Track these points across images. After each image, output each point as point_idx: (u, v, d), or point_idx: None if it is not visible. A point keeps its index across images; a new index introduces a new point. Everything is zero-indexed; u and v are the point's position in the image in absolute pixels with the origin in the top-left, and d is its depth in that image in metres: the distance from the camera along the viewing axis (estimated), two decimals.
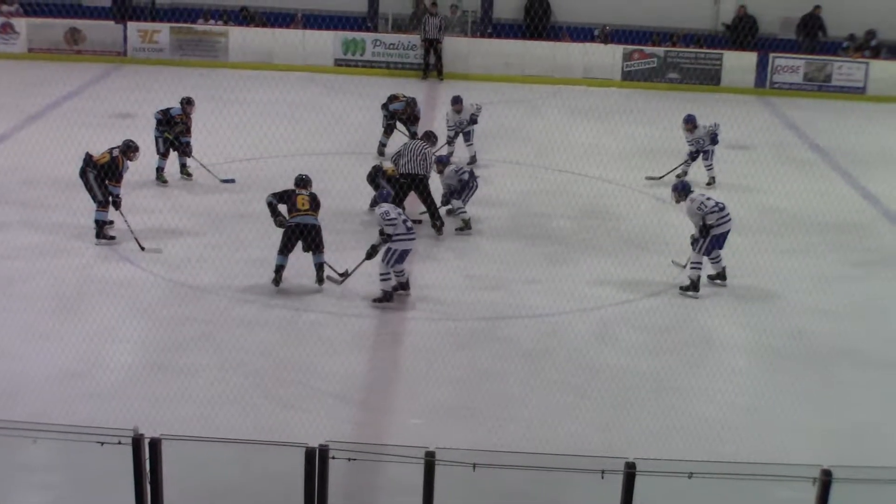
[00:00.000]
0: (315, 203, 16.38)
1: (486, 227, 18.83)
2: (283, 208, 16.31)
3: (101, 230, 17.38)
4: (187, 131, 20.66)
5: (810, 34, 33.66)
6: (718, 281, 16.88)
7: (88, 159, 17.33)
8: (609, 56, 31.94)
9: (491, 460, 9.08)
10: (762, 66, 32.04)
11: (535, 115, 27.07)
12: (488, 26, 33.83)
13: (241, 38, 31.52)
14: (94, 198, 17.38)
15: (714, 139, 21.54)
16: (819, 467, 8.95)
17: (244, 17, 32.96)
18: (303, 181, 16.62)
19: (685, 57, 32.06)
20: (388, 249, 15.72)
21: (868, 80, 31.93)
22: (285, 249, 16.07)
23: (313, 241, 16.12)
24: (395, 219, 15.67)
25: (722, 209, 16.49)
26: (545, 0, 33.89)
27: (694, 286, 16.54)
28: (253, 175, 20.73)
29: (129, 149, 17.69)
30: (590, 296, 16.26)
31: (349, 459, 9.06)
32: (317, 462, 8.92)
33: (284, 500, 9.45)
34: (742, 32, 32.96)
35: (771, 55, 32.15)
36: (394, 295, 15.87)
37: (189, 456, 9.59)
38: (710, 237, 16.41)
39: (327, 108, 25.71)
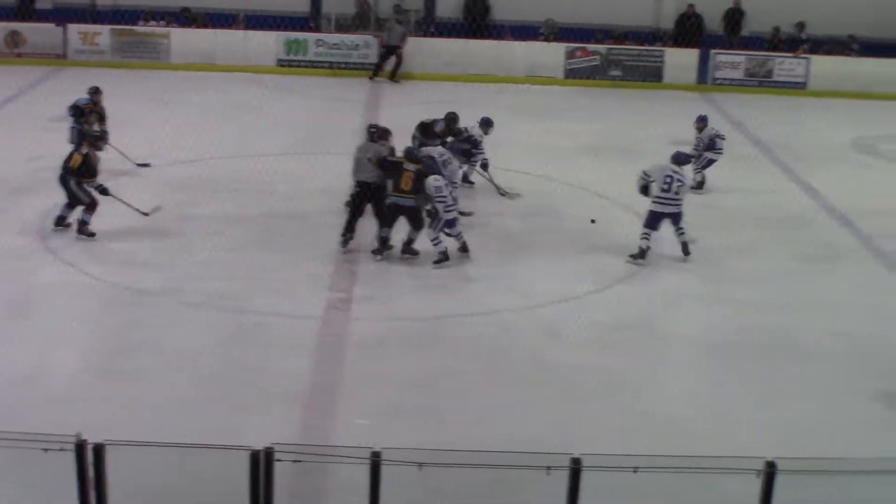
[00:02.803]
0: (420, 181, 16.95)
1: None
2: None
3: (83, 228, 17.33)
4: (102, 119, 20.66)
5: (734, 28, 33.97)
6: (638, 259, 17.56)
7: (66, 166, 17.22)
8: (552, 54, 32.07)
9: (437, 459, 9.06)
10: (704, 62, 32.24)
11: (479, 113, 27.07)
12: (431, 25, 33.84)
13: (182, 39, 31.40)
14: (80, 202, 17.29)
15: (713, 146, 21.55)
16: (763, 459, 9.00)
17: (186, 18, 32.79)
18: (411, 154, 17.28)
19: (627, 54, 32.23)
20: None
21: (809, 75, 32.21)
22: (387, 222, 17.19)
23: (412, 220, 17.13)
24: (445, 195, 16.94)
25: (668, 191, 17.32)
26: None
27: (641, 254, 17.42)
28: (196, 177, 20.63)
29: (95, 139, 17.66)
30: (538, 293, 16.28)
31: (294, 461, 9.04)
32: (262, 465, 8.89)
33: None
34: (688, 30, 33.16)
35: (712, 52, 32.37)
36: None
37: (134, 461, 9.53)
38: (649, 211, 17.38)
39: (270, 109, 25.68)
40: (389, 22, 31.62)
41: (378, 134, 17.84)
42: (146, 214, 17.37)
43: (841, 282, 17.42)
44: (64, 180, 17.29)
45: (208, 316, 15.07)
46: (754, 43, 33.55)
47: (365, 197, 17.27)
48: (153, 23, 32.20)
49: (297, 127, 23.95)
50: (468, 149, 20.52)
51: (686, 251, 17.66)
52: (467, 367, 14.00)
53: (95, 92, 20.97)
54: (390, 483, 8.95)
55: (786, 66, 32.28)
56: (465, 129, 20.65)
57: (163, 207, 17.62)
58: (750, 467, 8.98)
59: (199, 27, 32.39)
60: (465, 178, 20.91)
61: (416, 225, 17.08)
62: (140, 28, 31.67)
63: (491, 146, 21.61)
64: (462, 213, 18.11)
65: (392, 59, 31.18)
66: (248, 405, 12.66)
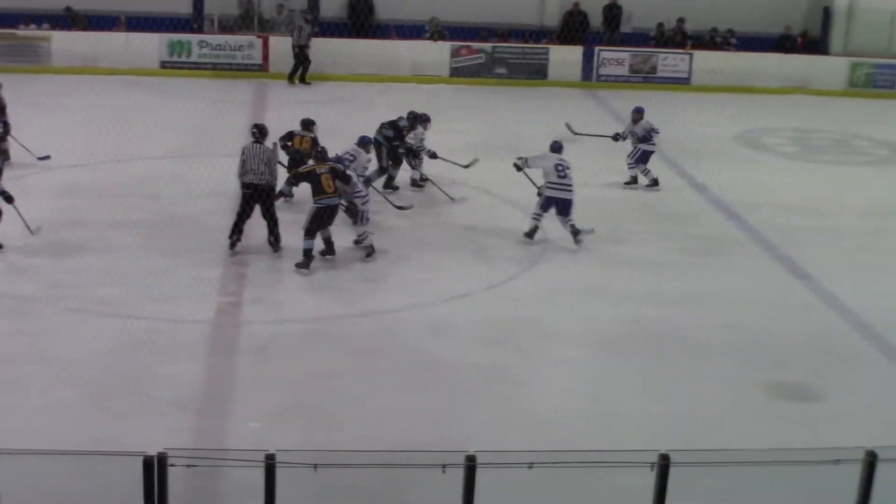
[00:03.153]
0: (336, 179, 16.91)
1: None
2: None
3: None
4: (2, 111, 20.75)
5: (612, 25, 34.32)
6: (528, 237, 18.48)
7: None
8: (437, 53, 32.16)
9: (332, 460, 9.02)
10: (588, 59, 32.48)
11: (365, 113, 26.98)
12: (315, 25, 33.69)
13: (63, 42, 30.96)
14: None
15: (648, 138, 21.82)
16: (657, 452, 9.05)
17: (69, 17, 32.31)
18: (319, 154, 17.24)
19: (512, 52, 32.35)
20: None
21: (692, 71, 32.60)
22: (313, 233, 16.81)
23: (330, 219, 17.03)
24: (361, 189, 17.67)
25: (564, 178, 18.24)
26: None
27: (531, 233, 18.42)
28: (80, 182, 20.34)
29: None
30: (424, 291, 16.29)
31: (188, 466, 8.93)
32: (156, 471, 8.77)
33: None
34: (573, 28, 33.36)
35: (596, 48, 32.63)
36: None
37: (25, 471, 9.36)
38: (545, 196, 18.33)
39: (155, 112, 25.41)
40: (298, 21, 31.45)
41: (264, 134, 17.62)
42: (31, 233, 17.05)
43: (729, 275, 17.61)
44: None
45: (95, 323, 14.81)
46: (639, 39, 33.88)
47: (252, 199, 17.13)
48: (33, 26, 31.69)
49: (182, 129, 23.74)
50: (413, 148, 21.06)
51: (576, 240, 17.89)
52: (358, 368, 13.94)
53: None
54: (285, 485, 8.88)
55: (669, 62, 32.67)
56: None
57: (42, 227, 17.29)
58: (644, 460, 9.02)
59: (80, 29, 31.94)
60: (422, 178, 21.25)
61: (330, 223, 17.04)
62: (20, 31, 31.18)
63: None
64: (401, 208, 19.00)
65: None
66: (137, 412, 12.49)
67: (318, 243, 16.98)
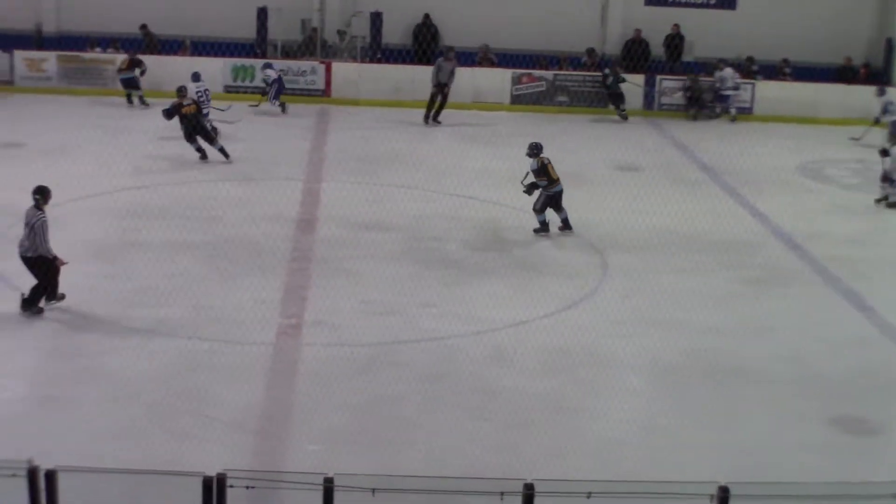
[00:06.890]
0: None
1: (380, 251, 18.76)
2: None
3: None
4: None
5: (674, 54, 34.16)
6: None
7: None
8: (498, 80, 32.13)
9: (390, 485, 9.03)
10: (650, 87, 32.38)
11: (426, 139, 27.16)
12: (377, 52, 33.78)
13: None
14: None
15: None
16: (716, 484, 9.01)
17: (144, 37, 32.49)
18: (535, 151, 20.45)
19: (573, 80, 32.30)
20: None
21: (755, 100, 32.45)
22: (544, 210, 20.10)
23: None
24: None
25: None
26: (433, 25, 33.95)
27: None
28: (143, 203, 20.47)
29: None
30: (485, 318, 16.27)
31: (248, 487, 8.97)
32: (214, 491, 8.81)
33: None
34: (635, 56, 33.24)
35: (658, 77, 32.51)
36: None
37: (85, 489, 9.42)
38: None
39: (220, 135, 25.55)
40: (438, 60, 30.83)
41: (46, 198, 15.67)
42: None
43: (789, 306, 17.51)
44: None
45: (155, 343, 14.92)
46: (701, 69, 33.75)
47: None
48: (98, 49, 31.99)
49: (246, 153, 23.86)
50: None
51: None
52: (414, 393, 13.94)
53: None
54: None
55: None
56: None
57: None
58: (703, 492, 8.98)
59: (149, 52, 32.07)
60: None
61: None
62: (86, 54, 31.51)
63: (438, 172, 21.71)
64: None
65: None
66: (197, 432, 12.57)
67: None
